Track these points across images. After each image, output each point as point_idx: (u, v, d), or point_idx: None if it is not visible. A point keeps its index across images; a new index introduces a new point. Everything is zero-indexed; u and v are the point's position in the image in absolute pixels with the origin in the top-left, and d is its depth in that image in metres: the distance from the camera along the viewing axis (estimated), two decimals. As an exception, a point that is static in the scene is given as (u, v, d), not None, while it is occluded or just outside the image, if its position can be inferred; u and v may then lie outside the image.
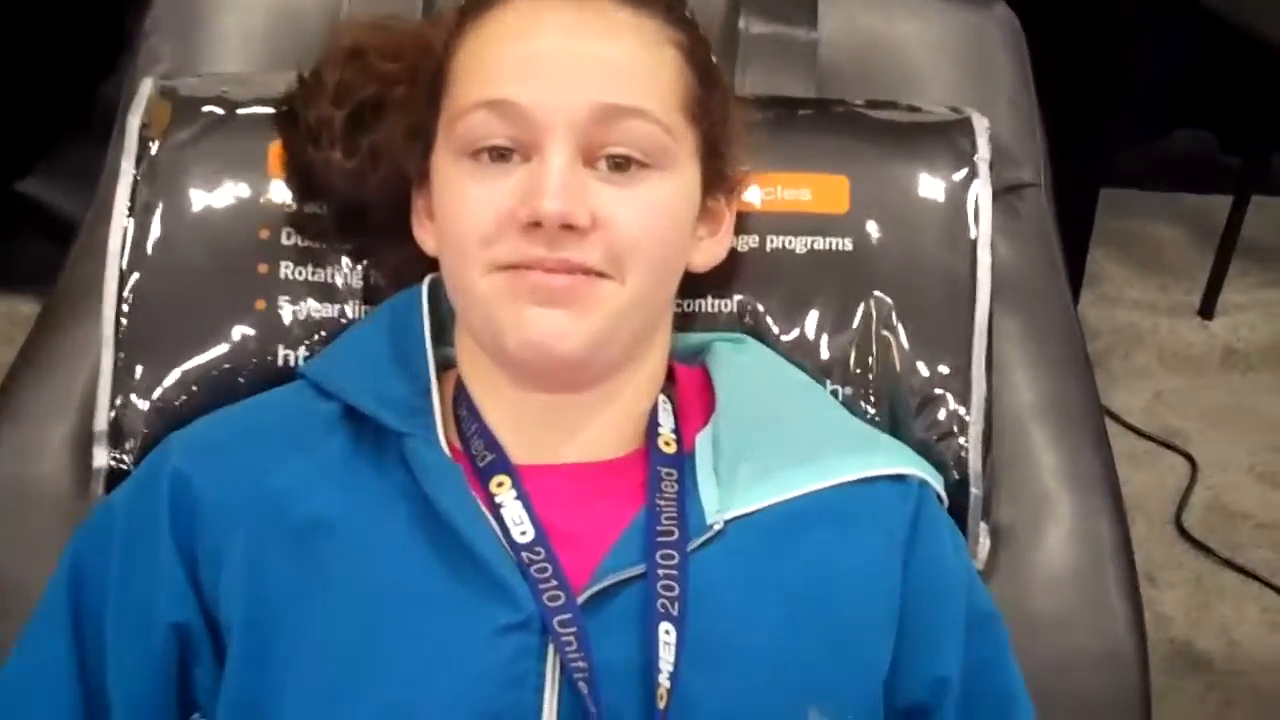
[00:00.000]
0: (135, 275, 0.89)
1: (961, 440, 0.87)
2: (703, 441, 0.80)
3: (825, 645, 0.75)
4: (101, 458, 0.87)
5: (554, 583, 0.73)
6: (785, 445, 0.80)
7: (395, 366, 0.81)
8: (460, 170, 0.77)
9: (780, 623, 0.75)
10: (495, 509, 0.76)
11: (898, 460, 0.82)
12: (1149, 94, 2.68)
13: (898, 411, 0.88)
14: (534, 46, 0.76)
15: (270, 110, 0.92)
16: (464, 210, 0.76)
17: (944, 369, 0.88)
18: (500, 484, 0.77)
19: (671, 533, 0.75)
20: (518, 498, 0.76)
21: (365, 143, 0.84)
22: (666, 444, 0.80)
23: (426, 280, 0.85)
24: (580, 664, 0.70)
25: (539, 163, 0.75)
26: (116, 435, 0.87)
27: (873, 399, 0.88)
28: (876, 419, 0.88)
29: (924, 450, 0.86)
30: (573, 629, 0.71)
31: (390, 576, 0.75)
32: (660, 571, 0.74)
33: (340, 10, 1.04)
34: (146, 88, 0.95)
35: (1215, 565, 1.99)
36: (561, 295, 0.75)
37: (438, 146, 0.80)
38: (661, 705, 0.70)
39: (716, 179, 0.82)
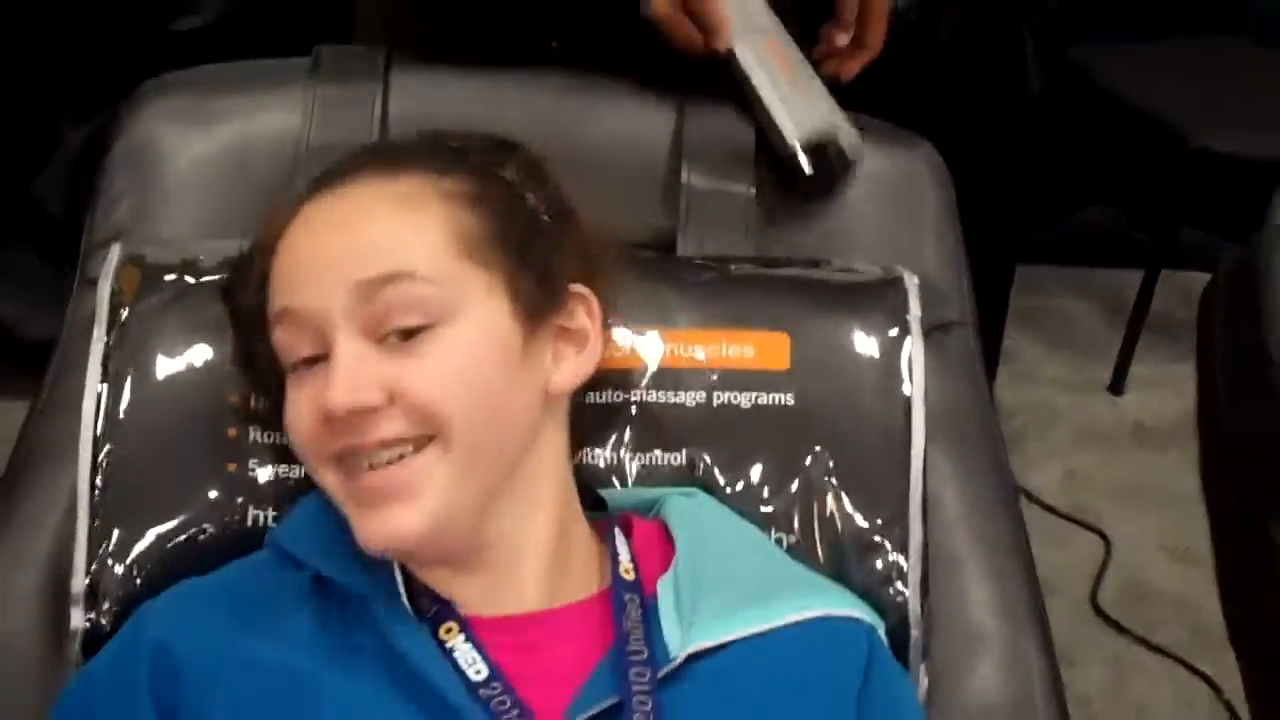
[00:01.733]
0: (108, 442, 0.94)
1: (899, 585, 0.94)
2: (664, 585, 0.86)
3: None
4: (78, 619, 0.91)
5: (515, 712, 0.79)
6: (740, 588, 0.86)
7: (332, 539, 0.85)
8: (290, 381, 0.84)
9: None
10: (448, 654, 0.81)
11: (845, 604, 0.89)
12: (1059, 172, 2.80)
13: (840, 560, 0.94)
14: (302, 252, 0.83)
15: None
16: (294, 418, 0.83)
17: (881, 519, 0.95)
18: (449, 630, 0.83)
19: (641, 653, 0.81)
20: (466, 640, 0.82)
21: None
22: (626, 572, 0.86)
23: None
24: None
25: (336, 365, 0.80)
26: (92, 597, 0.91)
27: (817, 548, 0.94)
28: (820, 567, 0.94)
29: (866, 596, 0.92)
30: None
31: None
32: (636, 699, 0.79)
33: (299, 143, 1.10)
34: (114, 255, 1.00)
35: (1131, 644, 2.08)
36: (387, 491, 0.80)
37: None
38: None
39: (546, 303, 0.86)
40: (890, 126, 1.21)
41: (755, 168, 1.12)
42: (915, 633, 0.95)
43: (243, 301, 0.90)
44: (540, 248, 0.86)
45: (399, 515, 0.80)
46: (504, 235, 0.84)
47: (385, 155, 0.89)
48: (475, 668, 0.81)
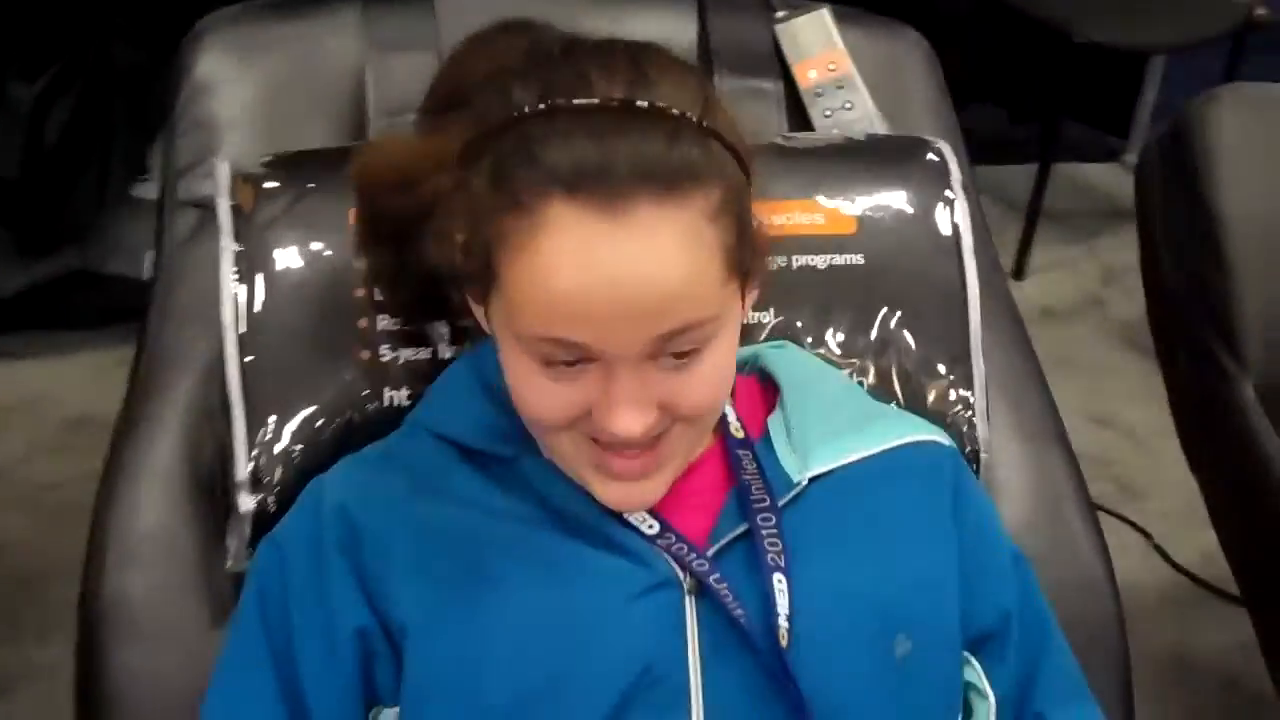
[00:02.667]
0: (252, 339, 1.03)
1: (969, 414, 1.09)
2: (774, 422, 0.98)
3: (905, 580, 0.93)
4: (248, 503, 1.01)
5: (685, 548, 0.90)
6: (839, 422, 0.99)
7: (492, 407, 0.95)
8: (526, 365, 0.84)
9: (866, 562, 0.93)
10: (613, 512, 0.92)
11: (930, 430, 1.02)
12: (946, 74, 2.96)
13: (916, 398, 1.08)
14: (588, 287, 0.79)
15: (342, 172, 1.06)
16: (538, 400, 0.85)
17: (947, 360, 1.09)
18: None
19: (763, 500, 0.93)
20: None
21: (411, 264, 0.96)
22: (736, 431, 0.98)
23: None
24: (737, 609, 0.88)
25: (606, 375, 0.82)
26: (256, 482, 1.01)
27: (896, 390, 1.08)
28: (896, 401, 1.08)
29: (940, 426, 1.07)
30: (721, 582, 0.89)
31: (543, 562, 0.90)
32: (763, 531, 0.91)
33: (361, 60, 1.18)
34: (224, 172, 1.08)
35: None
36: (636, 472, 0.87)
37: (494, 311, 0.86)
38: (784, 644, 0.87)
39: (752, 276, 0.89)
40: (874, 15, 1.35)
41: (777, 63, 1.24)
42: (985, 455, 1.09)
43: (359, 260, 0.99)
44: (748, 223, 0.87)
45: (644, 488, 0.88)
46: (741, 236, 0.84)
47: (654, 165, 0.80)
48: (647, 523, 0.91)
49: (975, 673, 0.98)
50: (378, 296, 1.05)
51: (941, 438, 1.03)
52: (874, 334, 1.09)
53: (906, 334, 1.09)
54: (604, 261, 0.79)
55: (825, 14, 1.28)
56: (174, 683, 1.02)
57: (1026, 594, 1.00)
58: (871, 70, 1.30)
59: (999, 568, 0.99)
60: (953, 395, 1.09)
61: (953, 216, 1.12)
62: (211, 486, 1.07)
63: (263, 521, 1.00)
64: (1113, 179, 3.15)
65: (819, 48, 1.27)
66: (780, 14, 1.28)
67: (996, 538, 1.01)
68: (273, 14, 1.24)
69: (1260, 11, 2.78)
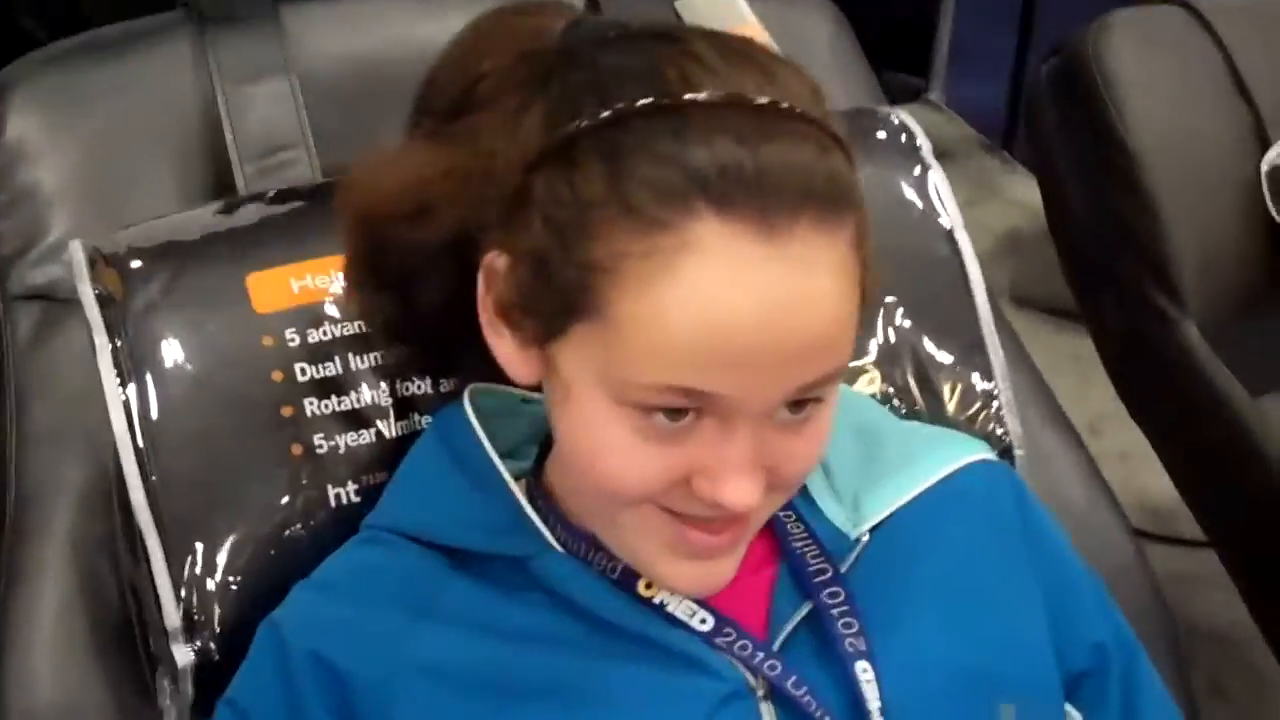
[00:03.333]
0: (154, 453, 0.84)
1: (995, 407, 0.96)
2: (812, 479, 0.83)
3: (997, 638, 0.80)
4: (185, 655, 0.82)
5: (749, 645, 0.75)
6: (883, 457, 0.85)
7: (478, 493, 0.79)
8: (627, 423, 0.68)
9: (951, 626, 0.79)
10: (655, 607, 0.76)
11: (976, 448, 0.88)
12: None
13: (937, 400, 0.95)
14: (733, 330, 0.64)
15: (238, 226, 0.88)
16: (627, 466, 0.69)
17: (959, 350, 0.97)
18: (648, 585, 0.77)
19: (824, 569, 0.79)
20: (674, 592, 0.76)
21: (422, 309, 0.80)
22: None
23: (467, 395, 0.83)
24: (824, 716, 0.74)
25: (722, 433, 0.68)
26: (190, 628, 0.82)
27: (914, 393, 0.95)
28: (921, 412, 0.95)
29: (971, 430, 0.94)
30: (801, 686, 0.74)
31: (586, 691, 0.74)
32: (833, 610, 0.77)
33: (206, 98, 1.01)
34: (79, 254, 0.89)
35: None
36: (715, 550, 0.72)
37: (572, 355, 0.69)
38: None
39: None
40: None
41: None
42: (1020, 452, 0.96)
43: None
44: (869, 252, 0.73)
45: (720, 566, 0.73)
46: (868, 268, 0.71)
47: (813, 180, 0.66)
48: (699, 617, 0.75)
49: (1074, 712, 0.85)
50: (302, 377, 0.87)
51: (988, 453, 0.90)
52: (879, 330, 0.95)
53: (913, 327, 0.96)
54: (760, 295, 0.64)
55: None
56: None
57: (1110, 618, 0.88)
58: (782, 45, 1.17)
59: (1082, 596, 0.87)
60: (977, 389, 0.96)
61: (933, 189, 0.99)
62: (121, 640, 0.88)
63: (206, 675, 0.81)
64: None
65: (725, 24, 1.13)
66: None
67: (1073, 561, 0.88)
68: (89, 56, 1.04)
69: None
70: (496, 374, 0.77)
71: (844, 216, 0.67)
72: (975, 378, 0.96)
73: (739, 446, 0.67)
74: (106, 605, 0.89)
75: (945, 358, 0.96)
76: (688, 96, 0.66)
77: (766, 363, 0.65)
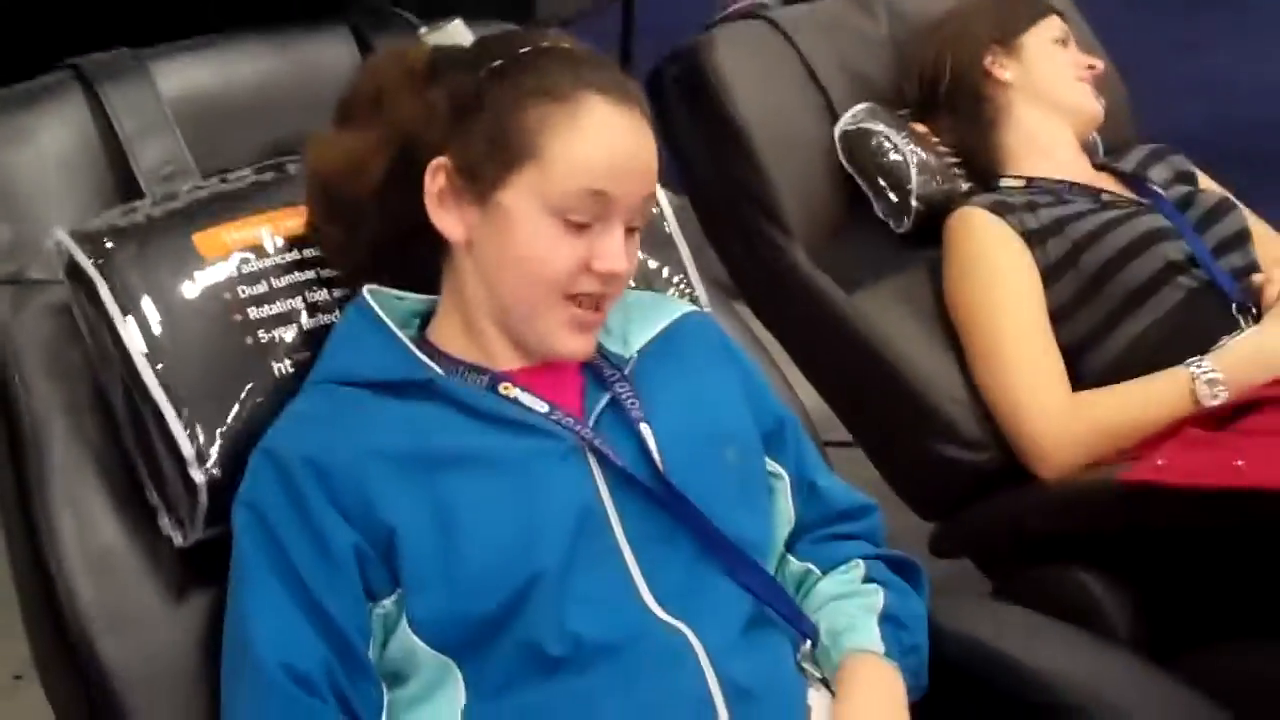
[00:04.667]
0: (156, 352, 1.27)
1: (683, 284, 1.53)
2: None
3: (721, 410, 1.33)
4: (200, 476, 1.25)
5: (573, 420, 1.25)
6: (634, 312, 1.37)
7: (394, 344, 1.27)
8: (548, 225, 1.19)
9: (693, 404, 1.31)
10: (512, 401, 1.25)
11: (689, 306, 1.44)
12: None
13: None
14: (617, 150, 1.20)
15: (176, 208, 1.33)
16: (554, 254, 1.20)
17: (663, 256, 1.52)
18: (506, 387, 1.26)
19: (614, 375, 1.29)
20: (523, 389, 1.26)
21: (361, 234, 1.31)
22: None
23: (366, 291, 1.30)
24: (620, 461, 1.23)
25: (609, 235, 1.21)
26: (200, 459, 1.26)
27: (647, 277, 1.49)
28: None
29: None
30: (604, 443, 1.24)
31: (483, 451, 1.21)
32: (624, 396, 1.28)
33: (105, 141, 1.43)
34: (66, 237, 1.30)
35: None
36: (590, 325, 1.25)
37: (513, 192, 1.20)
38: (662, 469, 1.25)
39: None
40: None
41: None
42: (708, 310, 1.51)
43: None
44: None
45: (590, 340, 1.26)
46: None
47: (619, 79, 1.25)
48: (540, 405, 1.25)
49: (770, 463, 1.38)
50: (242, 295, 1.32)
51: (697, 309, 1.44)
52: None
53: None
54: (626, 136, 1.22)
55: (459, 24, 1.64)
56: (169, 646, 1.26)
57: (780, 405, 1.42)
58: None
59: (764, 388, 1.41)
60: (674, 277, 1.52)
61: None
62: (131, 496, 1.30)
63: (215, 490, 1.25)
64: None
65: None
66: (422, 29, 1.63)
67: (757, 369, 1.43)
68: (7, 116, 1.42)
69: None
70: (386, 282, 1.29)
71: (645, 108, 1.26)
72: (668, 270, 1.51)
73: (616, 235, 1.21)
74: (114, 474, 1.30)
75: (653, 263, 1.51)
76: (564, 45, 1.24)
77: (634, 172, 1.22)
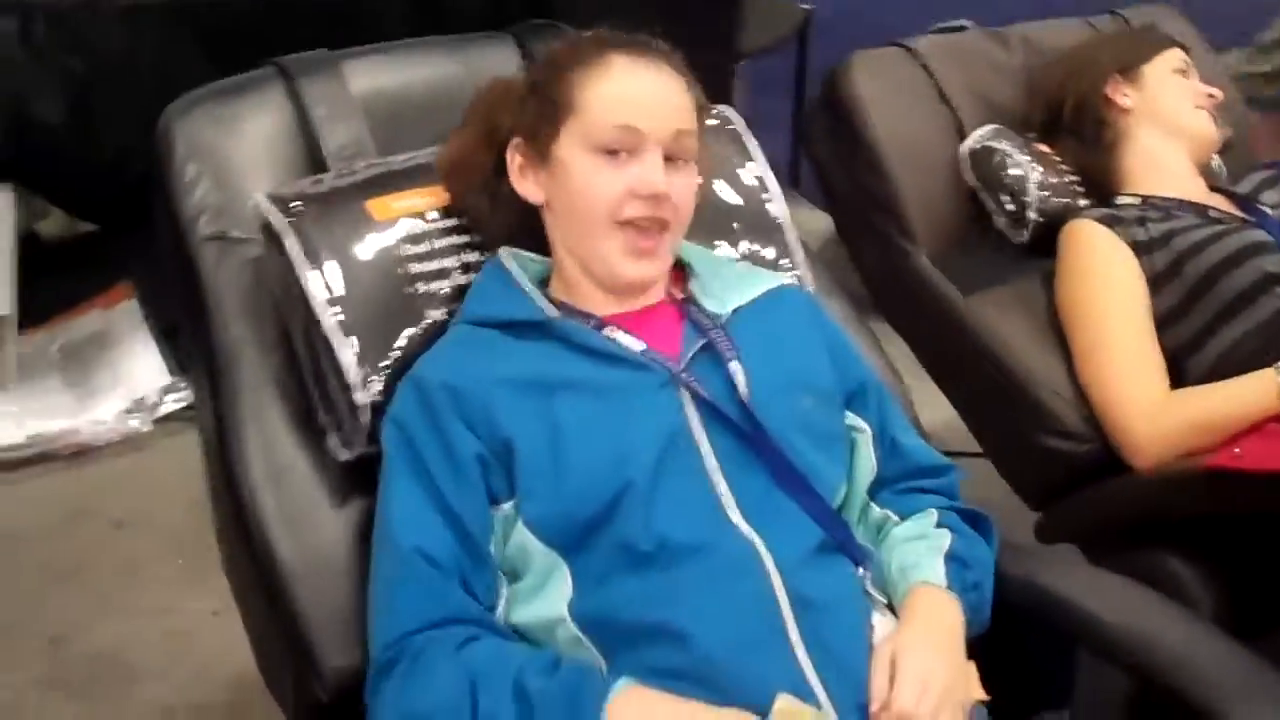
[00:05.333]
0: (338, 299, 1.53)
1: (790, 267, 1.73)
2: (694, 285, 1.55)
3: (802, 363, 1.53)
4: (365, 398, 1.49)
5: (668, 358, 1.47)
6: (734, 279, 1.58)
7: (519, 295, 1.51)
8: (592, 161, 1.44)
9: (777, 355, 1.51)
10: (615, 341, 1.48)
11: (788, 279, 1.65)
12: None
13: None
14: (640, 89, 1.45)
15: (354, 180, 1.59)
16: (598, 185, 1.43)
17: (773, 242, 1.73)
18: (610, 329, 1.49)
19: (710, 325, 1.51)
20: (625, 331, 1.49)
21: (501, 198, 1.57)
22: (674, 292, 1.55)
23: (501, 252, 1.55)
24: (706, 394, 1.44)
25: (644, 161, 1.43)
26: (364, 385, 1.50)
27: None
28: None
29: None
30: (691, 378, 1.46)
31: (587, 379, 1.43)
32: (719, 341, 1.50)
33: (307, 126, 1.70)
34: (265, 201, 1.56)
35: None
36: (649, 254, 1.46)
37: (563, 143, 1.46)
38: (747, 400, 1.46)
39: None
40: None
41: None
42: (811, 288, 1.72)
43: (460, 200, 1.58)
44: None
45: (649, 269, 1.48)
46: (698, 113, 1.53)
47: (669, 51, 1.52)
48: (639, 346, 1.48)
49: (853, 418, 1.58)
50: (406, 252, 1.57)
51: (795, 283, 1.66)
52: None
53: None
54: (646, 78, 1.47)
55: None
56: (332, 545, 1.51)
57: (871, 372, 1.62)
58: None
59: (854, 356, 1.61)
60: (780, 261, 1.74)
61: (751, 167, 1.78)
62: (304, 418, 1.56)
63: (375, 412, 1.50)
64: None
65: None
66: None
67: (845, 339, 1.63)
68: (218, 100, 1.72)
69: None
70: (522, 246, 1.54)
71: (685, 73, 1.49)
72: (774, 253, 1.74)
73: (651, 161, 1.43)
74: (291, 402, 1.56)
75: (762, 250, 1.73)
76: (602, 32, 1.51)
77: (658, 107, 1.45)
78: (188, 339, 1.69)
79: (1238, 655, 1.42)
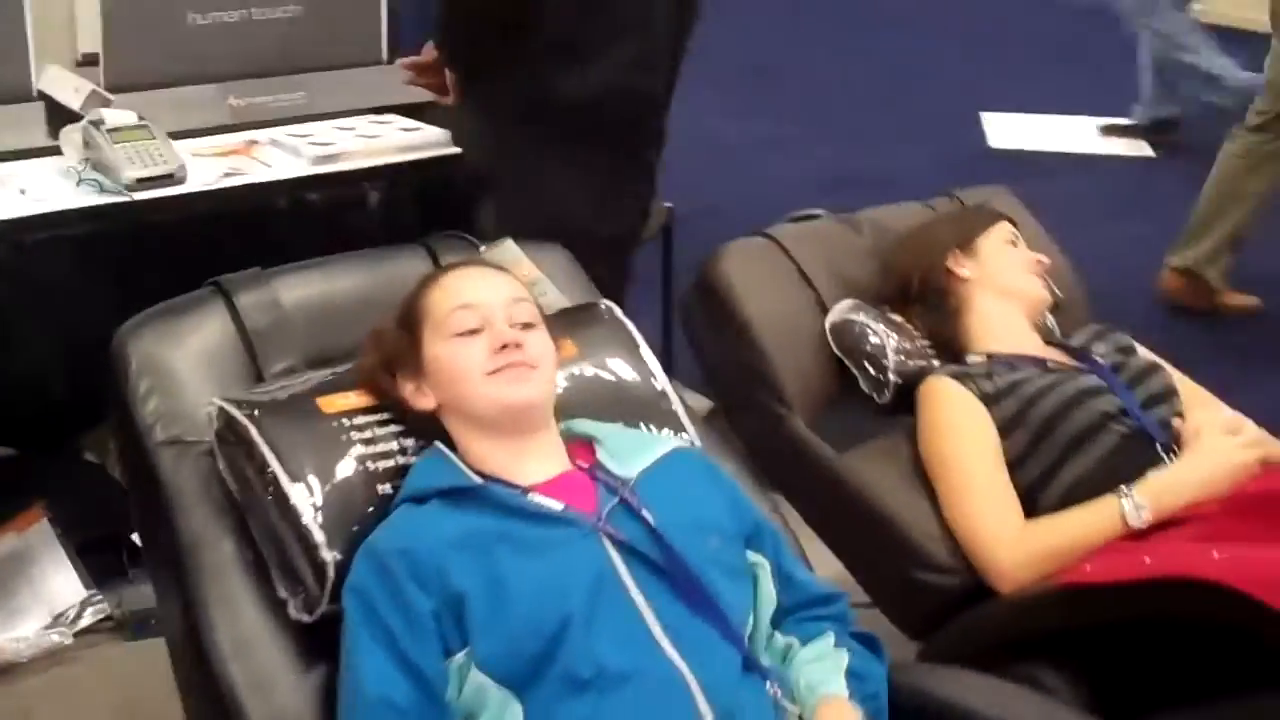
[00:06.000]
0: (304, 490, 1.75)
1: (685, 427, 1.99)
2: (601, 455, 1.81)
3: (705, 510, 1.78)
4: (332, 557, 1.70)
5: (588, 515, 1.72)
6: (635, 445, 1.84)
7: (451, 471, 1.75)
8: (452, 345, 1.73)
9: (682, 506, 1.76)
10: (538, 503, 1.72)
11: (680, 442, 1.92)
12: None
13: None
14: (466, 280, 1.81)
15: (299, 390, 1.84)
16: (463, 357, 1.72)
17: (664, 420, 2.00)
18: (534, 494, 1.73)
19: (620, 486, 1.76)
20: (544, 496, 1.73)
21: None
22: (583, 463, 1.81)
23: (438, 443, 1.80)
24: (623, 537, 1.70)
25: (491, 329, 1.73)
26: (330, 549, 1.72)
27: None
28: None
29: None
30: (614, 528, 1.70)
31: (520, 538, 1.67)
32: (631, 497, 1.75)
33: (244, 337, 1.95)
34: (222, 403, 1.80)
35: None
36: (521, 376, 1.71)
37: (428, 345, 1.76)
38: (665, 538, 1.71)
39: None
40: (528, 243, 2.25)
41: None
42: (699, 444, 1.99)
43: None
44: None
45: (530, 388, 1.73)
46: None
47: (472, 259, 2.00)
48: (560, 505, 1.72)
49: (753, 555, 1.83)
50: (357, 436, 1.81)
51: (687, 444, 1.92)
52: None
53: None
54: (471, 272, 1.85)
55: (510, 243, 2.17)
56: (299, 704, 1.71)
57: (760, 513, 1.89)
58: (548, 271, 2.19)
59: (747, 502, 1.87)
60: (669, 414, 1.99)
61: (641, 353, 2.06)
62: (266, 593, 1.77)
63: (338, 570, 1.71)
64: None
65: (513, 265, 2.14)
66: (483, 248, 2.16)
67: (740, 489, 1.90)
68: (168, 320, 1.96)
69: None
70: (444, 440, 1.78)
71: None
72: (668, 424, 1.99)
73: (500, 325, 1.74)
74: (252, 578, 1.77)
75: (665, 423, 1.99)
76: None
77: (483, 284, 1.81)
78: (147, 538, 1.89)
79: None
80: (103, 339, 2.84)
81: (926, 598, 2.27)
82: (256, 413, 1.78)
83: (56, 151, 3.08)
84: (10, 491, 3.18)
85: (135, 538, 3.07)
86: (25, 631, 2.95)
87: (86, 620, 3.04)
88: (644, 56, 2.65)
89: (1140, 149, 6.15)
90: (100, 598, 3.07)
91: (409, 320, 1.80)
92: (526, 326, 1.76)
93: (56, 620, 3.01)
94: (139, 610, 3.03)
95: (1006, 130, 6.38)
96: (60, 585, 3.06)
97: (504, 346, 1.72)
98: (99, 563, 3.16)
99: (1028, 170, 2.62)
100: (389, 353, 1.80)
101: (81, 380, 2.85)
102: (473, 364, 1.73)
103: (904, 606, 2.34)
